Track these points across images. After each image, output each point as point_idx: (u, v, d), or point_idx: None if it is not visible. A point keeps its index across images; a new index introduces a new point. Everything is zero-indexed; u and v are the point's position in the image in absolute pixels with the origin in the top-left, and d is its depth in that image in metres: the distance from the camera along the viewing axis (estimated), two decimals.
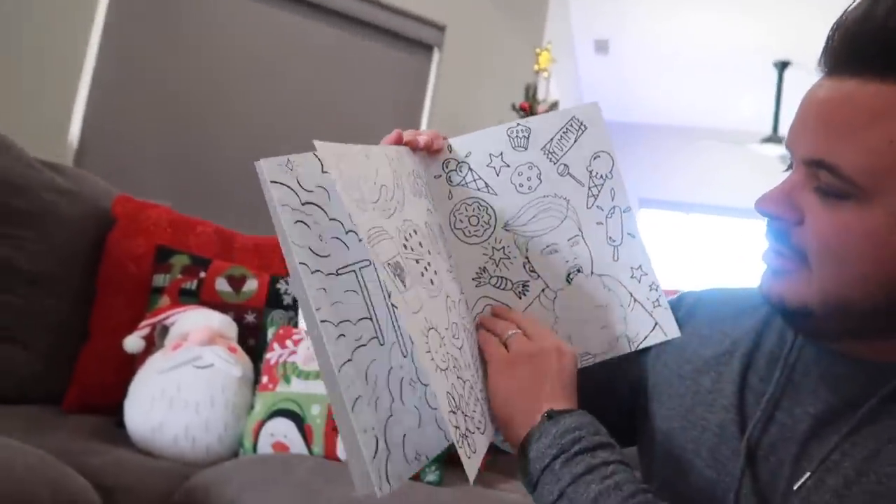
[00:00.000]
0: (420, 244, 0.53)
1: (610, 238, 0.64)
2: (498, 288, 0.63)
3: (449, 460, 1.32)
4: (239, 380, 1.27)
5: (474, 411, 0.52)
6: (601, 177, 0.64)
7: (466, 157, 0.63)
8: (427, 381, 0.51)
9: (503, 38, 3.23)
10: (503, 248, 0.63)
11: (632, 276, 0.64)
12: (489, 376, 0.57)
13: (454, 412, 0.48)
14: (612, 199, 0.64)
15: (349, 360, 0.47)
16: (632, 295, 0.64)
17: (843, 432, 0.50)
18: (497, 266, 0.63)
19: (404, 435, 0.50)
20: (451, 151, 0.63)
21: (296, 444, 1.21)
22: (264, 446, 1.22)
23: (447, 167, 0.62)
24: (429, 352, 0.47)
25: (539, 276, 0.64)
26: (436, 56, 3.05)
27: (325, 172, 0.50)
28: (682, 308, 0.69)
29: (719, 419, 0.57)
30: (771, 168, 4.45)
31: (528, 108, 2.75)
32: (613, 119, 5.83)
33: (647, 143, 5.79)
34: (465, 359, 0.54)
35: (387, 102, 2.95)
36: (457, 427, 0.47)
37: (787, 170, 0.54)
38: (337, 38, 2.77)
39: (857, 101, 0.46)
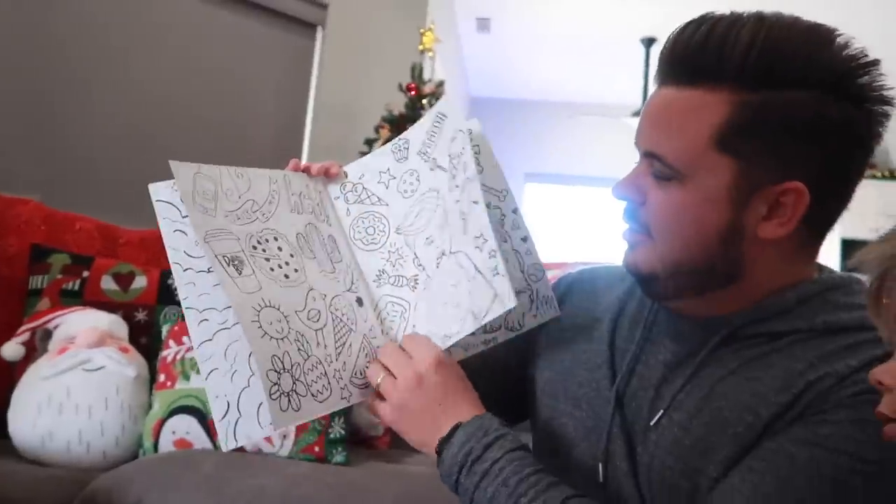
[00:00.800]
0: (279, 248, 0.66)
1: (462, 213, 0.65)
2: (395, 286, 0.69)
3: (356, 442, 1.37)
4: (134, 380, 1.24)
5: (315, 381, 0.60)
6: (457, 156, 0.68)
7: (360, 178, 0.73)
8: (249, 346, 0.59)
9: (387, 18, 3.23)
10: (397, 249, 0.70)
11: (476, 247, 0.63)
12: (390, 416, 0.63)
13: (276, 371, 0.57)
14: (465, 173, 0.65)
15: (209, 340, 0.61)
16: (476, 266, 0.63)
17: (686, 376, 0.60)
18: (394, 266, 0.69)
19: (260, 404, 0.59)
20: (346, 177, 0.74)
21: (199, 439, 1.21)
22: (166, 445, 1.21)
23: (344, 189, 0.73)
24: (255, 321, 0.58)
25: (424, 267, 0.68)
26: (319, 35, 3.01)
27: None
28: (561, 287, 0.80)
29: (595, 375, 0.67)
30: None
31: (415, 89, 2.79)
32: (496, 96, 5.99)
33: (529, 119, 6.00)
34: (323, 340, 0.63)
35: (271, 83, 2.87)
36: (274, 384, 0.57)
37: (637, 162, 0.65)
38: (215, 17, 2.65)
39: (673, 104, 0.59)
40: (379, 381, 0.62)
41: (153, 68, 2.48)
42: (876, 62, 0.56)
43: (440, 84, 2.91)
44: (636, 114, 4.63)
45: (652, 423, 0.60)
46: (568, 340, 0.73)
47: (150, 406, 1.25)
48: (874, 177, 5.24)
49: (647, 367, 0.65)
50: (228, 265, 0.60)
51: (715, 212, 0.57)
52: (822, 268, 0.65)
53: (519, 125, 6.00)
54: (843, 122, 0.55)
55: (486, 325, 0.63)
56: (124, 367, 1.23)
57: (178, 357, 1.25)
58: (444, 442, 0.60)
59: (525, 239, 0.71)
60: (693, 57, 0.57)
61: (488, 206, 0.66)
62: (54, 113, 2.24)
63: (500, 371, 0.78)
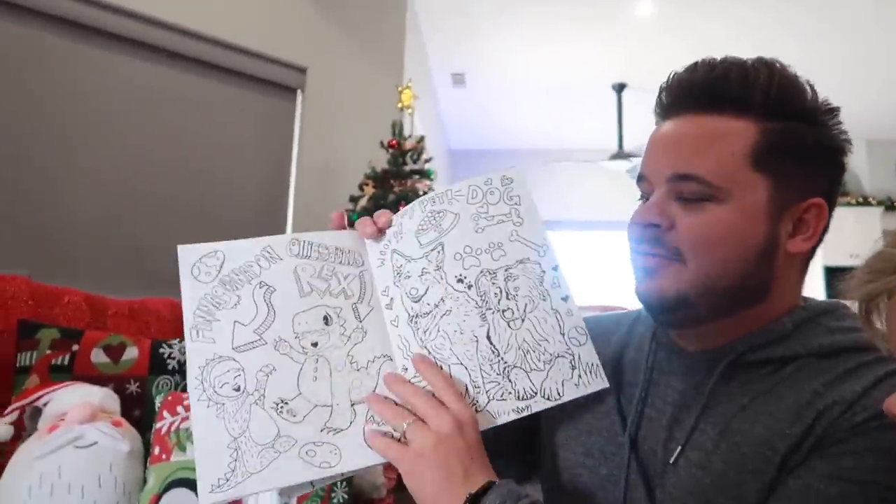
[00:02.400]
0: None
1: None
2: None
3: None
4: (128, 455, 1.21)
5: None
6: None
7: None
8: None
9: (364, 78, 3.30)
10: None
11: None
12: (403, 478, 0.58)
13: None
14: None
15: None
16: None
17: (697, 411, 0.61)
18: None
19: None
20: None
21: None
22: None
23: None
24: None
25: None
26: (299, 98, 3.07)
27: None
28: None
29: (605, 423, 0.68)
30: (620, 181, 4.88)
31: (397, 145, 2.84)
32: (475, 147, 6.10)
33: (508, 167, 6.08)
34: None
35: (254, 147, 2.91)
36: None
37: (640, 199, 0.67)
38: (197, 84, 2.70)
39: (701, 128, 0.62)
40: (406, 425, 0.58)
41: (138, 137, 2.50)
42: (839, 108, 0.65)
43: (421, 139, 2.96)
44: (613, 157, 4.74)
45: (671, 462, 0.61)
46: None
47: (144, 481, 1.22)
48: (849, 204, 5.38)
49: (656, 409, 0.65)
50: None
51: (755, 228, 0.60)
52: (805, 297, 0.68)
53: None
54: (836, 149, 0.63)
55: (519, 390, 0.63)
56: (118, 441, 1.20)
57: (173, 428, 1.22)
58: (477, 497, 0.56)
59: (566, 299, 0.66)
60: (718, 87, 0.62)
61: (523, 261, 0.66)
62: (39, 186, 2.24)
63: (512, 429, 0.77)
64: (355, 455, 0.61)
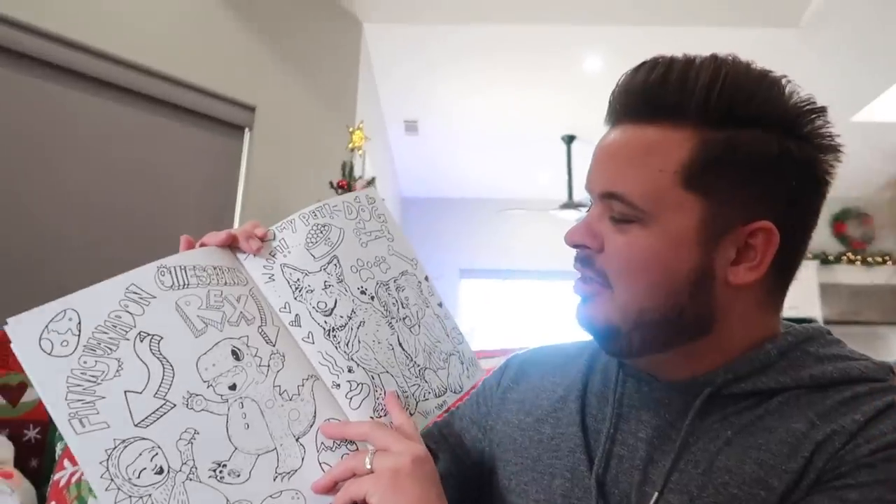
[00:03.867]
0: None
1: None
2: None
3: None
4: None
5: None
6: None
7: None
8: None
9: (315, 117, 3.25)
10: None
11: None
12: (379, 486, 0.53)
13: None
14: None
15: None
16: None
17: (675, 451, 0.53)
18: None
19: None
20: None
21: None
22: None
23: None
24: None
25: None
26: (247, 136, 2.98)
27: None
28: (513, 368, 0.74)
29: (569, 463, 0.59)
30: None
31: (346, 185, 2.77)
32: (427, 195, 6.10)
33: (460, 216, 6.11)
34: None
35: (200, 182, 2.79)
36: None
37: (589, 208, 0.60)
38: (145, 119, 2.59)
39: (633, 141, 0.55)
40: (368, 459, 0.52)
41: (80, 170, 2.37)
42: (824, 109, 0.56)
43: (371, 181, 2.91)
44: (563, 206, 4.78)
45: None
46: (532, 427, 0.65)
47: None
48: None
49: (626, 447, 0.57)
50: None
51: (683, 254, 0.53)
52: (786, 322, 0.61)
53: (451, 223, 6.09)
54: (805, 161, 0.54)
55: (435, 389, 0.65)
56: (5, 496, 1.04)
57: (74, 479, 1.07)
58: None
59: (440, 304, 0.71)
60: (653, 93, 0.54)
61: (404, 273, 0.70)
62: None
63: (472, 475, 0.69)
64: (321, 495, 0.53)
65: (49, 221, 2.24)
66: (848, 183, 5.46)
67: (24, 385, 1.21)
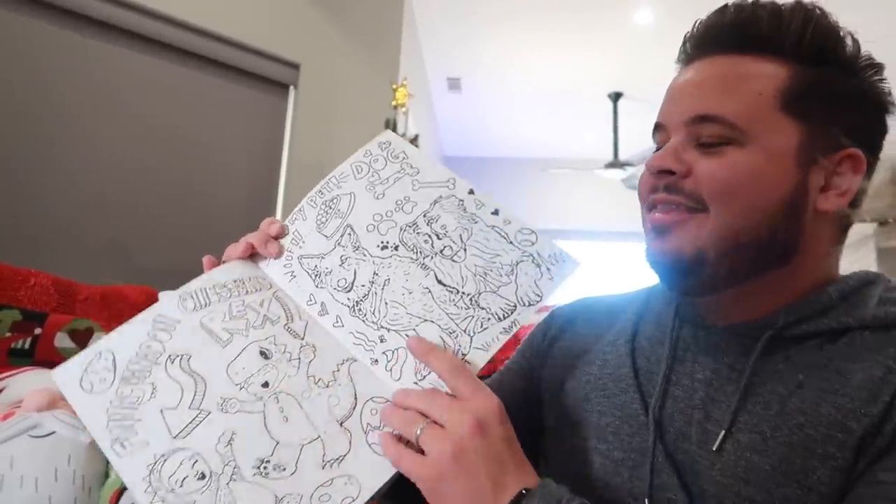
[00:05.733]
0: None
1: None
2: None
3: None
4: (88, 446, 1.12)
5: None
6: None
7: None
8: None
9: (359, 75, 3.25)
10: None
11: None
12: (424, 495, 0.49)
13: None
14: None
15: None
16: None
17: (740, 392, 0.53)
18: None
19: None
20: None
21: None
22: None
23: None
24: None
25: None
26: (292, 94, 3.00)
27: None
28: (561, 318, 0.75)
29: (619, 401, 0.60)
30: (616, 190, 4.84)
31: None
32: (469, 154, 6.05)
33: (503, 176, 6.06)
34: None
35: (243, 143, 2.83)
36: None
37: (657, 149, 0.60)
38: (186, 76, 2.62)
39: (726, 68, 0.58)
40: (419, 431, 0.49)
41: (118, 128, 2.42)
42: (883, 65, 0.59)
43: (415, 138, 2.90)
44: (608, 165, 4.70)
45: (714, 448, 0.52)
46: (579, 368, 0.65)
47: (106, 475, 1.13)
48: None
49: (683, 389, 0.57)
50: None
51: (781, 175, 0.55)
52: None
53: (493, 182, 6.04)
54: (883, 101, 0.58)
55: (497, 311, 0.57)
56: (78, 432, 1.11)
57: None
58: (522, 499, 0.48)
59: (496, 212, 0.64)
60: (747, 27, 0.57)
61: (437, 201, 0.64)
62: (11, 170, 2.15)
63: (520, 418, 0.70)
64: (374, 475, 0.51)
65: (87, 182, 2.28)
66: None
67: (91, 330, 1.28)
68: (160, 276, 2.30)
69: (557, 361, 0.70)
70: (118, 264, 2.28)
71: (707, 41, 0.60)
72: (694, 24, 0.61)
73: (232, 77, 2.79)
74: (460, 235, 0.62)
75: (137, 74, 2.48)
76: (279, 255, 0.63)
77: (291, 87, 3.00)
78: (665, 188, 0.58)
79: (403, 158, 0.67)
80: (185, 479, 0.50)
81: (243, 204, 2.77)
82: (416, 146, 2.85)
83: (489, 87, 4.76)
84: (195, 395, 0.54)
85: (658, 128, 0.60)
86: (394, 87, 2.97)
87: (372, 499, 0.52)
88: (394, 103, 2.96)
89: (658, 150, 0.60)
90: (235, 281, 0.60)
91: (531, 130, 5.49)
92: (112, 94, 2.40)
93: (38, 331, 1.24)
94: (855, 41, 0.58)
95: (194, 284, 0.60)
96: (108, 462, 1.14)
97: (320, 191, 0.66)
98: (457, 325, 0.57)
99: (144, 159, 2.47)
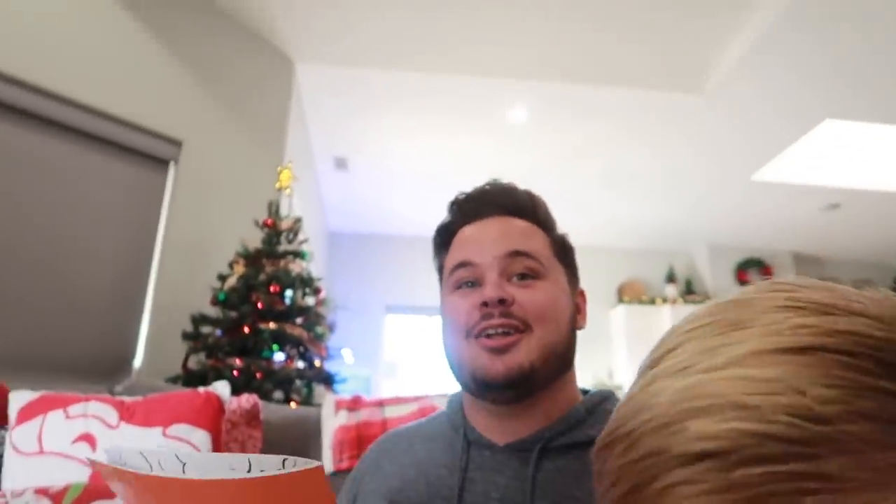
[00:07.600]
0: None
1: None
2: None
3: None
4: None
5: None
6: None
7: None
8: None
9: (244, 156, 3.25)
10: None
11: None
12: None
13: None
14: None
15: None
16: None
17: (528, 498, 0.62)
18: None
19: None
20: None
21: None
22: None
23: None
24: None
25: None
26: (172, 171, 2.94)
27: None
28: (365, 463, 0.78)
29: None
30: None
31: (273, 224, 2.78)
32: (355, 231, 6.12)
33: (387, 252, 6.16)
34: None
35: (117, 220, 2.72)
36: None
37: (459, 288, 0.73)
38: (60, 151, 2.51)
39: (517, 223, 0.75)
40: None
41: None
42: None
43: (298, 220, 2.92)
44: None
45: None
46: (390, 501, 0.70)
47: None
48: (694, 301, 5.90)
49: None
50: None
51: (565, 302, 0.72)
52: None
53: (378, 258, 6.13)
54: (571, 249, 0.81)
55: None
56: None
57: None
58: None
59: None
60: (514, 199, 0.77)
61: None
62: None
63: None
64: None
65: None
66: (750, 235, 5.90)
67: None
68: (9, 365, 2.11)
69: (370, 501, 0.73)
70: None
71: (489, 205, 0.76)
72: (463, 194, 0.79)
73: (110, 152, 2.71)
74: None
75: (14, 148, 2.35)
76: None
77: (172, 163, 2.95)
78: (503, 314, 0.67)
79: None
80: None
81: (111, 284, 2.64)
82: (299, 227, 2.82)
83: (375, 167, 4.89)
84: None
85: (463, 265, 0.72)
86: (278, 169, 3.00)
87: None
88: (278, 185, 2.98)
89: (461, 287, 0.72)
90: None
91: (414, 209, 5.66)
92: None
93: None
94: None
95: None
96: None
97: None
98: None
99: (20, 232, 2.31)
